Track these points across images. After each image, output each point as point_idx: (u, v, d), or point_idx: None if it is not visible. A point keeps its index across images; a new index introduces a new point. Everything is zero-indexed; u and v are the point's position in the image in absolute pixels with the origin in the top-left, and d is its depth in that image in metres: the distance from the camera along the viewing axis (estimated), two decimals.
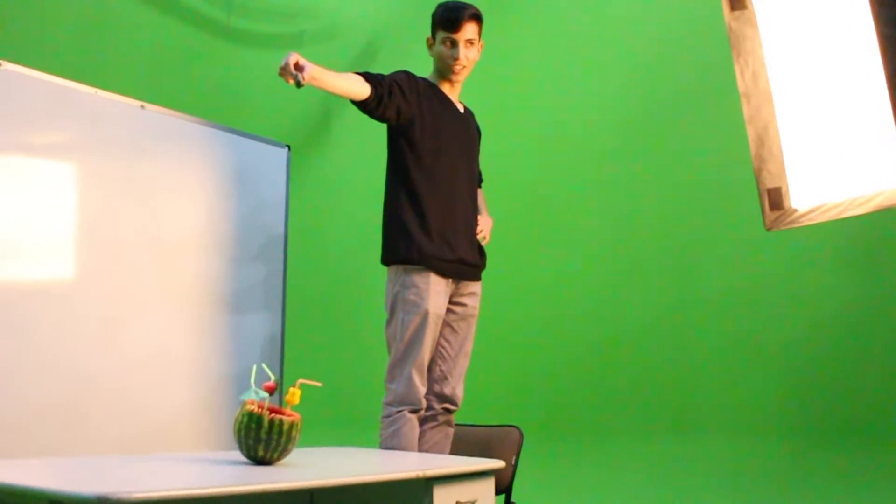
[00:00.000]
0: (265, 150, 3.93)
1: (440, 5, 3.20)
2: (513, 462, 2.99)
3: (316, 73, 2.76)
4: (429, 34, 3.21)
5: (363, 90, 2.93)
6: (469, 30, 3.14)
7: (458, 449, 3.14)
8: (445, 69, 3.20)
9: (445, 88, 3.24)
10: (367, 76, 2.97)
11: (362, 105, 2.98)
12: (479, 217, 3.30)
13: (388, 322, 3.11)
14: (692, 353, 5.33)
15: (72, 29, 6.11)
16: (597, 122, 5.84)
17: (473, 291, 3.21)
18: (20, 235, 3.03)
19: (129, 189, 3.38)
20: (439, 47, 3.18)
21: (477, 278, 3.23)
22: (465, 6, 3.16)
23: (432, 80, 3.24)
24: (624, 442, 5.31)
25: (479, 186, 3.43)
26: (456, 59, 3.15)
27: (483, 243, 3.29)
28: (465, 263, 3.15)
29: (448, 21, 3.14)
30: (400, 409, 3.01)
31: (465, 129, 3.30)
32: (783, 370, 5.09)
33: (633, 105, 5.71)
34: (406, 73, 3.15)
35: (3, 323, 2.93)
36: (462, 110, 3.30)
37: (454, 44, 3.15)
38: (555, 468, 5.06)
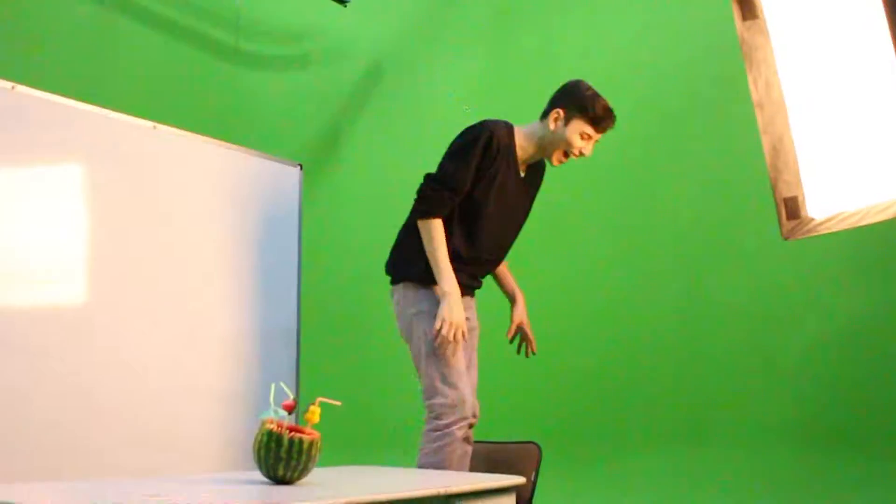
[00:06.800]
0: (277, 170, 3.93)
1: (593, 95, 3.12)
2: (532, 478, 2.97)
3: (447, 287, 2.93)
4: (559, 108, 3.12)
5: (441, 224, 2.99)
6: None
7: (477, 466, 3.11)
8: (560, 154, 3.15)
9: (526, 154, 3.17)
10: (430, 208, 2.99)
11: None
12: (514, 309, 3.34)
13: (410, 344, 3.07)
14: (708, 364, 5.29)
15: (83, 51, 6.13)
16: (609, 132, 5.83)
17: (470, 306, 3.26)
18: (33, 257, 3.03)
19: (141, 209, 3.38)
20: (571, 133, 3.10)
21: (472, 295, 3.29)
22: (613, 112, 3.13)
23: (522, 140, 3.16)
24: (642, 455, 5.26)
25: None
26: (583, 153, 3.13)
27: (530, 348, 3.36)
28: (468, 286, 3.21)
29: (598, 119, 3.09)
30: (448, 422, 2.92)
31: (522, 196, 3.26)
32: (800, 381, 5.05)
33: (646, 113, 5.69)
34: (488, 141, 3.05)
35: (14, 345, 2.92)
36: (523, 174, 3.23)
37: (589, 139, 3.12)
38: (574, 483, 5.01)
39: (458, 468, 2.91)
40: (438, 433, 2.92)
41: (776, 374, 5.09)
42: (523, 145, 3.14)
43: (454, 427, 2.91)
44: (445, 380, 2.95)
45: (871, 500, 4.44)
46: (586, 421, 5.55)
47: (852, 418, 4.84)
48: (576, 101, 3.09)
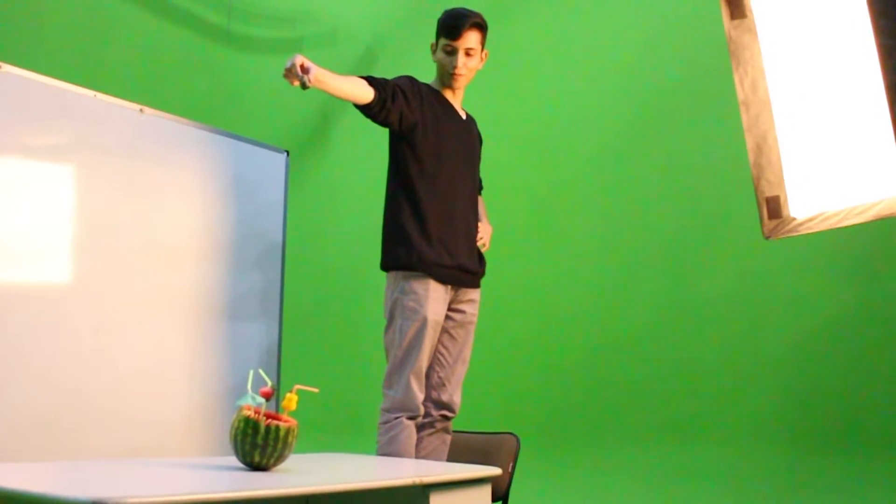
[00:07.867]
0: (264, 156, 3.92)
1: (445, 12, 3.20)
2: (510, 469, 2.98)
3: (321, 76, 2.76)
4: (433, 39, 3.21)
5: (366, 94, 2.94)
6: (470, 38, 3.14)
7: (455, 456, 3.14)
8: (445, 76, 3.20)
9: (448, 95, 3.25)
10: (371, 80, 2.97)
11: (365, 109, 2.98)
12: (479, 224, 3.30)
13: (387, 328, 3.10)
14: (689, 360, 5.32)
15: (71, 32, 6.11)
16: (594, 129, 5.84)
17: (472, 298, 3.21)
18: (15, 239, 3.01)
19: (126, 193, 3.37)
20: (441, 54, 3.18)
21: (476, 286, 3.23)
22: (468, 14, 3.15)
23: (435, 86, 3.24)
24: (621, 449, 5.29)
25: (480, 194, 3.44)
26: (455, 66, 3.15)
27: (483, 250, 3.30)
28: (464, 270, 3.14)
29: (449, 28, 3.14)
30: (398, 415, 3.01)
31: (467, 135, 3.30)
32: (781, 377, 5.09)
33: (632, 111, 5.71)
34: (409, 78, 3.15)
35: None
36: (464, 117, 3.30)
37: (454, 52, 3.14)
38: (552, 475, 5.04)
39: (410, 451, 3.01)
40: (388, 424, 3.02)
41: (759, 371, 5.13)
42: (435, 87, 3.25)
43: (403, 416, 3.01)
44: (403, 377, 3.03)
45: (853, 495, 4.48)
46: (569, 415, 5.58)
47: (835, 415, 4.88)
48: (436, 27, 3.20)
